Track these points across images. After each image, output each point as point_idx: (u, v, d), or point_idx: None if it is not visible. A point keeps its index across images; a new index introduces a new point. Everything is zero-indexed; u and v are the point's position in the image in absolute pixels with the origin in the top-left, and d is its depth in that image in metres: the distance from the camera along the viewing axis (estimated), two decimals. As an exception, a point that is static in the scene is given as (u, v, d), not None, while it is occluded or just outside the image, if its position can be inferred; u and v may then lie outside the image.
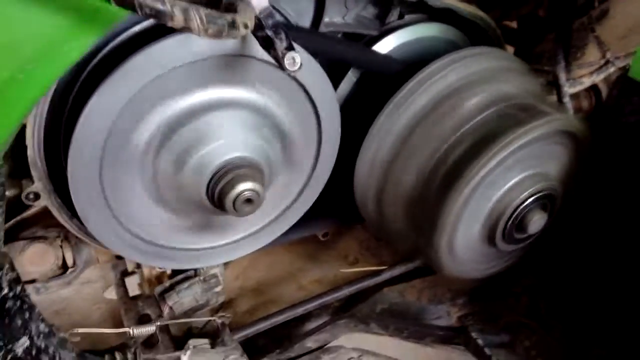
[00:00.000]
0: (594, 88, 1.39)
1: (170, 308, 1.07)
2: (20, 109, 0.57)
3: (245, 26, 0.57)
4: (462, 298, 1.32)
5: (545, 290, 1.32)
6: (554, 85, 1.21)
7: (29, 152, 0.82)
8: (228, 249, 1.05)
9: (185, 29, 0.51)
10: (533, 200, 0.99)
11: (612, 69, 1.22)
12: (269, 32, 0.68)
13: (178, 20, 0.49)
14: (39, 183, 0.86)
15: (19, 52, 0.52)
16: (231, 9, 0.62)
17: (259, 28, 0.69)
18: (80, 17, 0.52)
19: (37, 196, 0.88)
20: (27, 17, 0.51)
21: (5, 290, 0.67)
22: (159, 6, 0.48)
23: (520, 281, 1.35)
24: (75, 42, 0.53)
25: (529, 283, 1.35)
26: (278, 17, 0.67)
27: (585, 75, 1.24)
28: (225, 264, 1.16)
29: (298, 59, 0.70)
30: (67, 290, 1.35)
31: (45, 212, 0.93)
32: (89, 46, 0.54)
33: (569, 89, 1.21)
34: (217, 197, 0.84)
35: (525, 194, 0.99)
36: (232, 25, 0.54)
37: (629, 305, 1.16)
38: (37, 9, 0.50)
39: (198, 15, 0.50)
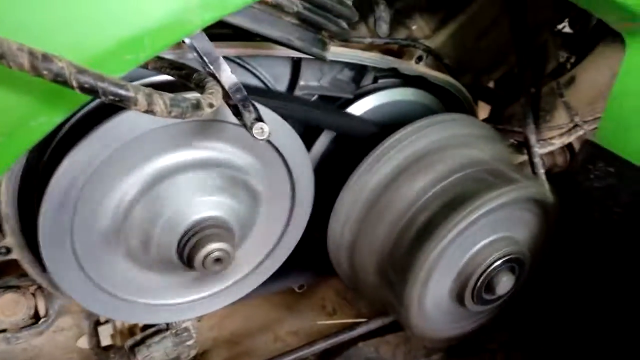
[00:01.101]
0: (568, 145, 1.44)
1: (140, 362, 1.06)
2: (-10, 178, 0.59)
3: (210, 106, 0.59)
4: (437, 354, 1.32)
5: (520, 346, 1.33)
6: (525, 146, 1.24)
7: (2, 207, 0.83)
8: (199, 304, 1.05)
9: (149, 112, 0.53)
10: (501, 263, 1.01)
11: (581, 132, 1.27)
12: (238, 105, 0.71)
13: (141, 105, 0.52)
14: (10, 238, 0.87)
15: (-14, 127, 0.54)
16: (200, 84, 0.65)
17: (230, 98, 0.72)
18: (47, 97, 0.54)
19: (8, 250, 0.89)
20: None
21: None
22: (122, 92, 0.50)
23: (495, 337, 1.35)
24: (42, 119, 0.55)
25: (504, 339, 1.35)
26: (245, 92, 0.70)
27: (555, 137, 1.28)
28: (200, 315, 1.16)
29: (266, 128, 0.73)
30: (39, 339, 1.33)
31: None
32: (57, 123, 0.57)
33: (539, 150, 1.24)
34: (187, 256, 0.85)
35: (494, 256, 1.00)
36: (197, 106, 0.57)
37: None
38: (2, 87, 0.53)
39: (162, 100, 0.53)
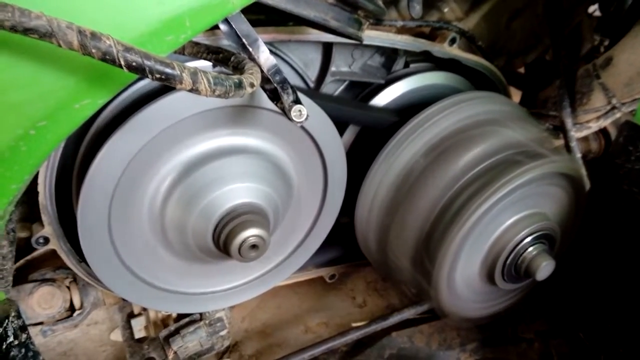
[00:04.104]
0: (603, 131, 1.40)
1: (175, 353, 1.06)
2: (33, 163, 0.59)
3: (252, 85, 0.59)
4: (473, 344, 1.29)
5: (557, 336, 1.30)
6: (561, 130, 1.21)
7: (40, 198, 0.84)
8: (233, 293, 1.05)
9: (194, 90, 0.52)
10: (531, 239, 0.99)
11: (618, 114, 1.23)
12: (277, 87, 0.70)
13: (187, 83, 0.51)
14: (48, 228, 0.88)
15: (30, 111, 0.54)
16: (239, 67, 0.64)
17: (267, 82, 0.71)
18: (91, 78, 0.54)
19: (46, 240, 0.90)
20: (38, 77, 0.53)
21: (11, 339, 0.67)
22: (169, 70, 0.50)
23: (531, 327, 1.33)
24: (86, 101, 0.55)
25: (541, 329, 1.33)
26: (283, 74, 0.69)
27: (591, 120, 1.25)
28: (232, 306, 1.15)
29: (304, 111, 0.71)
30: (73, 332, 1.35)
31: (54, 253, 0.94)
32: (100, 105, 0.56)
33: (575, 134, 1.21)
34: (223, 242, 0.85)
35: (523, 232, 0.99)
36: (239, 85, 0.56)
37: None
38: (47, 69, 0.52)
39: (205, 79, 0.52)
